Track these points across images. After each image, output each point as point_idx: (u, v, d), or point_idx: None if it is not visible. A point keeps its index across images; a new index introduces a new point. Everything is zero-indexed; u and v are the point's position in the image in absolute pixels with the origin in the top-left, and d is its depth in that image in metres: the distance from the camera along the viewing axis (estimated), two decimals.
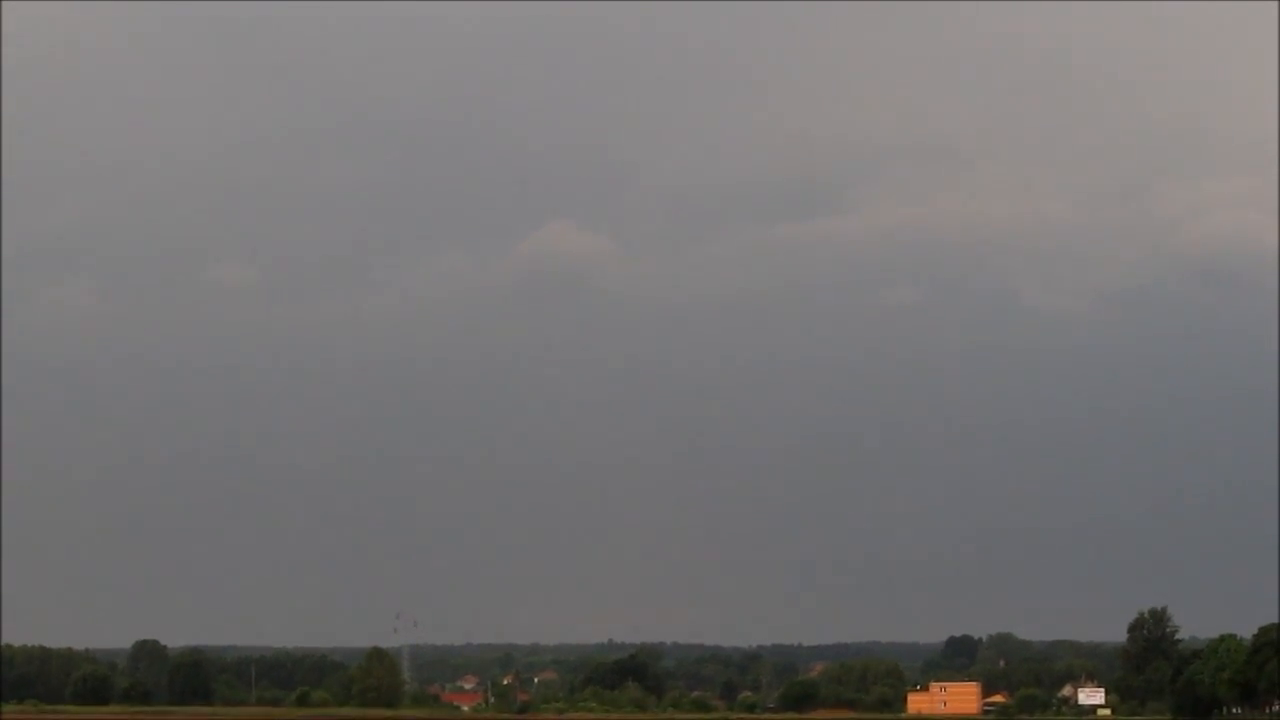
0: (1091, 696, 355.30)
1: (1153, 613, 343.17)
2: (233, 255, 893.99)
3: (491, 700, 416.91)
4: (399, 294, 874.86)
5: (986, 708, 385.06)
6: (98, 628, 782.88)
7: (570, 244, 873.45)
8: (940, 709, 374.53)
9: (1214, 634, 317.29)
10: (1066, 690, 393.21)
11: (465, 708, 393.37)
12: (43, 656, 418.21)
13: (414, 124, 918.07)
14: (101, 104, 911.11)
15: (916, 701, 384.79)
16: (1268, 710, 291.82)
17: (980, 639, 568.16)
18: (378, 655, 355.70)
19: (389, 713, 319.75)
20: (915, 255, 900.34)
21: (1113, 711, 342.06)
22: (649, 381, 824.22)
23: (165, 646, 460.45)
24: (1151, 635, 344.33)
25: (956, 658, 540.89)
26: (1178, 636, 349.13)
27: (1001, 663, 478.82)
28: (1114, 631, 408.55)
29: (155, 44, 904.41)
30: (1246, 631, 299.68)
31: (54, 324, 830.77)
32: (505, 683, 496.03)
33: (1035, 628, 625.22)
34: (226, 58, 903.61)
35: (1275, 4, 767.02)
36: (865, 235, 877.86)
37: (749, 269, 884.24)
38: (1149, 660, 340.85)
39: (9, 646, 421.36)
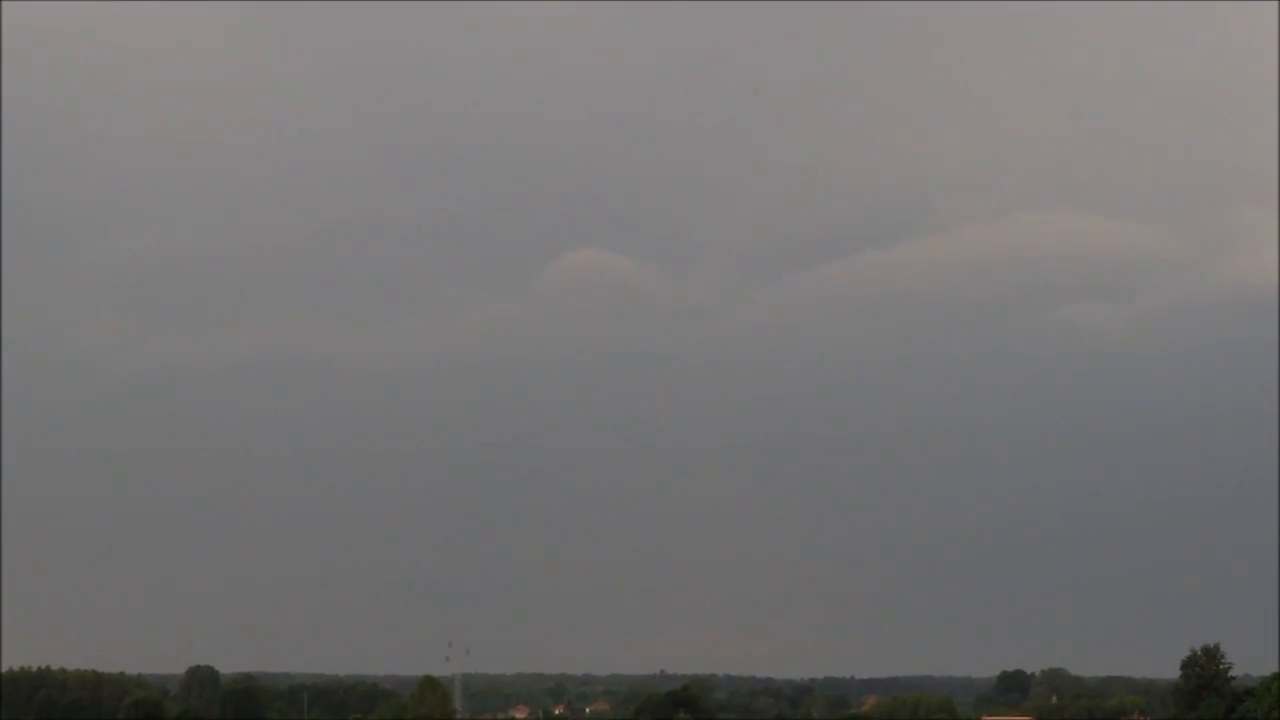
0: None
1: (1205, 650, 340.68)
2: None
3: None
4: (453, 330, 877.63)
5: None
6: (151, 653, 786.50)
7: (614, 273, 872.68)
8: None
9: (1267, 672, 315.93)
10: None
11: None
12: (95, 681, 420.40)
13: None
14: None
15: None
16: None
17: (1033, 674, 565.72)
18: (430, 684, 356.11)
19: None
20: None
21: None
22: (698, 411, 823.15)
23: (218, 672, 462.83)
24: (1205, 672, 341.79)
25: (1009, 693, 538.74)
26: (1231, 674, 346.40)
27: (1054, 698, 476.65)
28: (1167, 668, 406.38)
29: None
30: None
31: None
32: (557, 712, 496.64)
33: (1088, 663, 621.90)
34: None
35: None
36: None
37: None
38: (1201, 697, 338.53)
39: (62, 671, 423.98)
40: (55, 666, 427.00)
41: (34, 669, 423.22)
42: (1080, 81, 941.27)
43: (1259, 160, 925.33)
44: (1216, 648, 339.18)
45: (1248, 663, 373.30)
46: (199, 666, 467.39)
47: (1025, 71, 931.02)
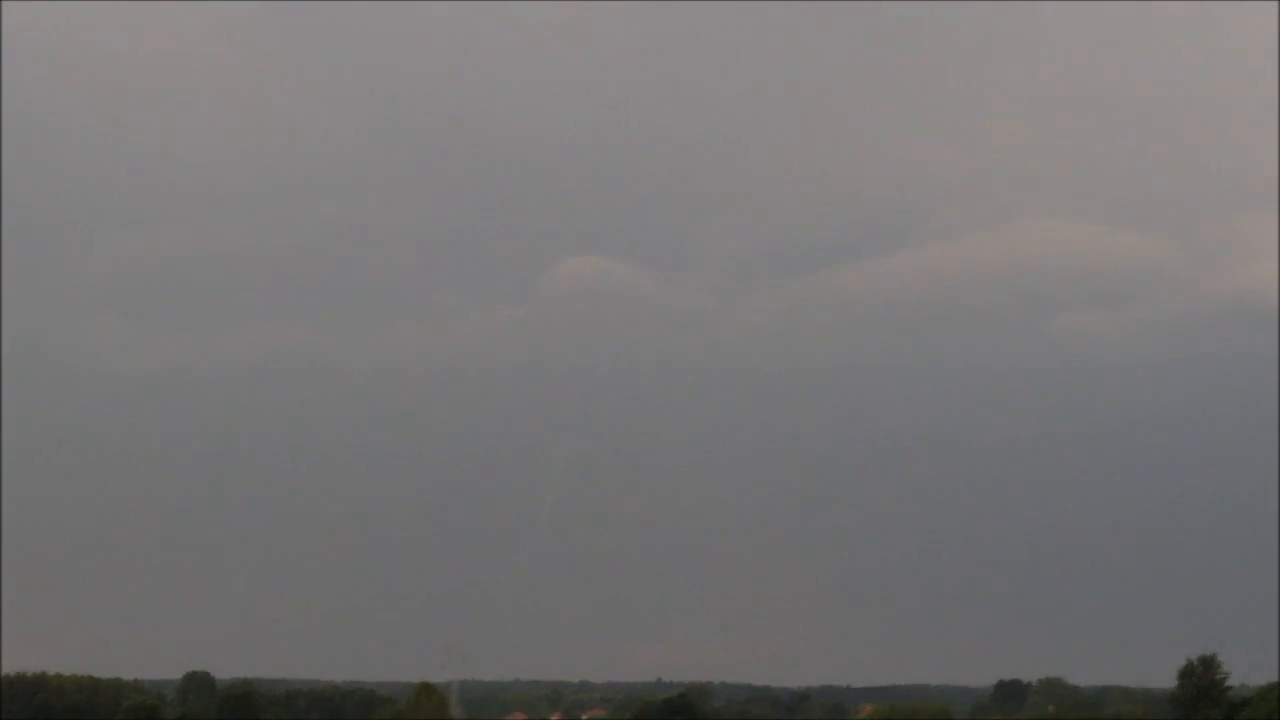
0: None
1: (1203, 659, 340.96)
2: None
3: None
4: (450, 336, 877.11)
5: None
6: (147, 658, 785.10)
7: (613, 280, 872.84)
8: None
9: (1264, 681, 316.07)
10: None
11: None
12: (92, 687, 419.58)
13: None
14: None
15: None
16: None
17: (1029, 683, 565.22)
18: (426, 690, 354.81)
19: None
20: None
21: None
22: (695, 417, 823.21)
23: (214, 678, 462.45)
24: (1202, 682, 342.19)
25: (1005, 702, 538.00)
26: (1228, 683, 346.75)
27: (1050, 708, 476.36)
28: (1164, 677, 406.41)
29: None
30: None
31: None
32: (553, 719, 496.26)
33: (1085, 672, 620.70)
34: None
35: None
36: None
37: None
38: (1199, 707, 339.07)
39: (59, 676, 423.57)
40: (52, 671, 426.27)
41: (30, 674, 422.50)
42: (1080, 89, 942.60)
43: (1260, 169, 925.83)
44: (1214, 657, 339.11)
45: (1245, 672, 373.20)
46: (195, 672, 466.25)
47: (1025, 78, 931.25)
